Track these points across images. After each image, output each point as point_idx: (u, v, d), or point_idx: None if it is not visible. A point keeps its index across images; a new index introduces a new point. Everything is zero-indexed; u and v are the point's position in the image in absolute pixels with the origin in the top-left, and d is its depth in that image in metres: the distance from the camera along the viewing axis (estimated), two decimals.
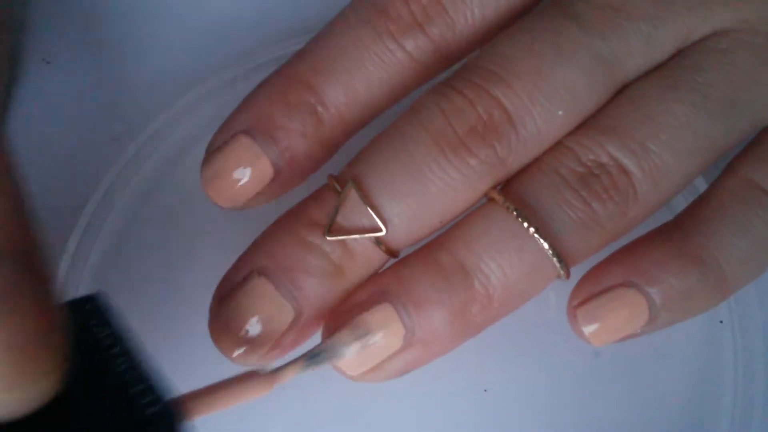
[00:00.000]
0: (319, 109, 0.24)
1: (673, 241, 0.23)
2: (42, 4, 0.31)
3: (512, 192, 0.23)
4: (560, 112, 0.23)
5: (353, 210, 0.23)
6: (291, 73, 0.24)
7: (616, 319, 0.23)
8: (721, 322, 0.28)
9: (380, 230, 0.23)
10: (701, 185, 0.26)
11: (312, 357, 0.22)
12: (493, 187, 0.23)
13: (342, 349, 0.22)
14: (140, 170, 0.29)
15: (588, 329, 0.24)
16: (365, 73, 0.23)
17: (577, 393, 0.27)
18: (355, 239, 0.23)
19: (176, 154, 0.29)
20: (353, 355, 0.22)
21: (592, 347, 0.27)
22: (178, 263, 0.28)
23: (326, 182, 0.24)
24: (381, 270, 0.24)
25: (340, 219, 0.23)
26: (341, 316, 0.23)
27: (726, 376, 0.28)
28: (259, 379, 0.20)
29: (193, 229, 0.29)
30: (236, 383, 0.20)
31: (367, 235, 0.23)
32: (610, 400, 0.27)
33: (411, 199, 0.23)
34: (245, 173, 0.24)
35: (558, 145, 0.23)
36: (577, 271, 0.24)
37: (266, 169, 0.24)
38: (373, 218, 0.23)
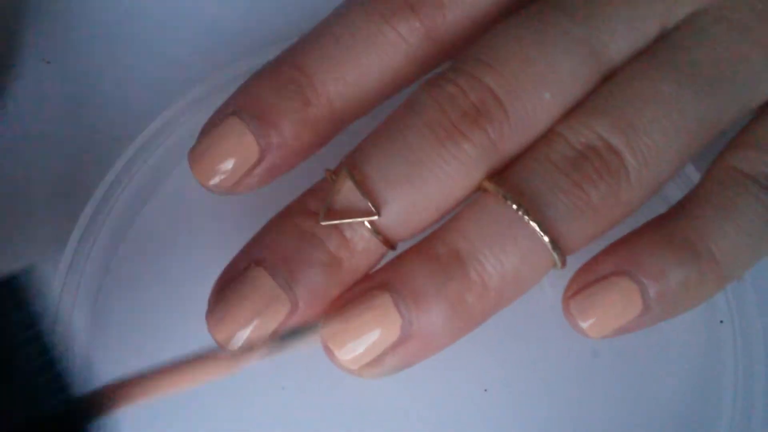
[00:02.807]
0: (307, 89, 0.24)
1: (661, 229, 0.24)
2: (42, 3, 0.31)
3: (505, 181, 0.23)
4: (547, 95, 0.23)
5: (347, 195, 0.23)
6: (282, 57, 0.24)
7: (609, 309, 0.23)
8: (722, 322, 0.28)
9: (374, 214, 0.23)
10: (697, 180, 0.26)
11: (277, 340, 0.21)
12: (487, 179, 0.23)
13: (306, 331, 0.22)
14: (140, 170, 0.29)
15: (582, 320, 0.24)
16: (353, 55, 0.24)
17: (577, 393, 0.27)
18: (351, 227, 0.23)
19: (176, 154, 0.29)
20: (316, 339, 0.22)
21: (592, 347, 0.27)
22: (178, 263, 0.28)
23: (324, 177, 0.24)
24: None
25: (334, 204, 0.23)
26: (339, 308, 0.23)
27: (726, 376, 0.28)
28: (220, 361, 0.19)
29: (193, 229, 0.29)
30: (195, 364, 0.18)
31: (361, 219, 0.23)
32: (609, 400, 0.27)
33: (406, 183, 0.23)
34: (230, 151, 0.24)
35: (549, 133, 0.24)
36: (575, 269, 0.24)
37: (252, 147, 0.24)
38: (367, 202, 0.23)
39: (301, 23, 0.26)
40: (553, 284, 0.25)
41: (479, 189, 0.23)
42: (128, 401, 0.18)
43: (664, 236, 0.23)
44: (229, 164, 0.24)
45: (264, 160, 0.24)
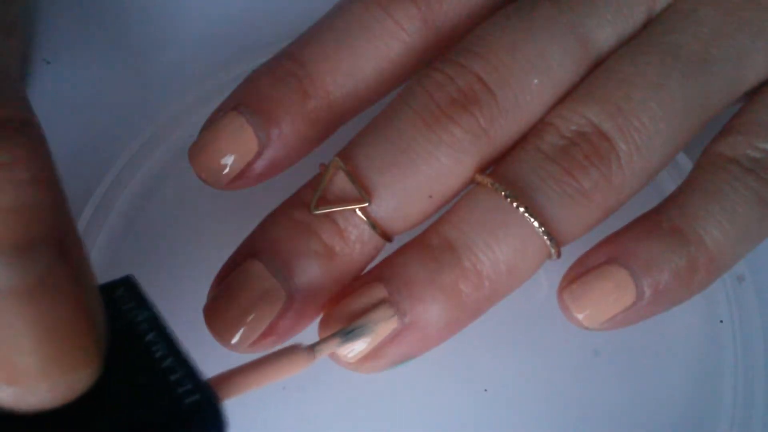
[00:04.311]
0: (305, 81, 0.24)
1: (651, 218, 0.24)
2: (43, 4, 0.31)
3: (497, 173, 0.24)
4: (536, 81, 0.23)
5: (338, 183, 0.23)
6: (282, 51, 0.25)
7: (602, 297, 0.23)
8: (721, 321, 0.28)
9: (364, 201, 0.23)
10: None
11: (347, 333, 0.22)
12: (480, 172, 0.23)
13: (375, 326, 0.22)
14: (140, 170, 0.29)
15: (576, 310, 0.24)
16: (351, 44, 0.24)
17: (577, 393, 0.27)
18: (343, 215, 0.23)
19: (176, 154, 0.29)
20: (386, 331, 0.23)
21: (592, 347, 0.27)
22: (178, 264, 0.28)
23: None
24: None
25: (325, 193, 0.23)
26: (337, 306, 0.23)
27: (726, 376, 0.28)
28: (299, 353, 0.20)
29: (193, 229, 0.29)
30: (277, 359, 0.19)
31: (351, 206, 0.23)
32: (609, 400, 0.27)
33: (395, 169, 0.23)
34: (229, 145, 0.24)
35: (540, 123, 0.24)
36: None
37: (251, 141, 0.24)
38: (357, 189, 0.23)
39: (301, 23, 0.26)
40: (552, 285, 0.25)
41: (472, 182, 0.24)
42: (224, 397, 0.18)
43: (654, 224, 0.24)
44: (228, 158, 0.24)
45: (263, 153, 0.24)
